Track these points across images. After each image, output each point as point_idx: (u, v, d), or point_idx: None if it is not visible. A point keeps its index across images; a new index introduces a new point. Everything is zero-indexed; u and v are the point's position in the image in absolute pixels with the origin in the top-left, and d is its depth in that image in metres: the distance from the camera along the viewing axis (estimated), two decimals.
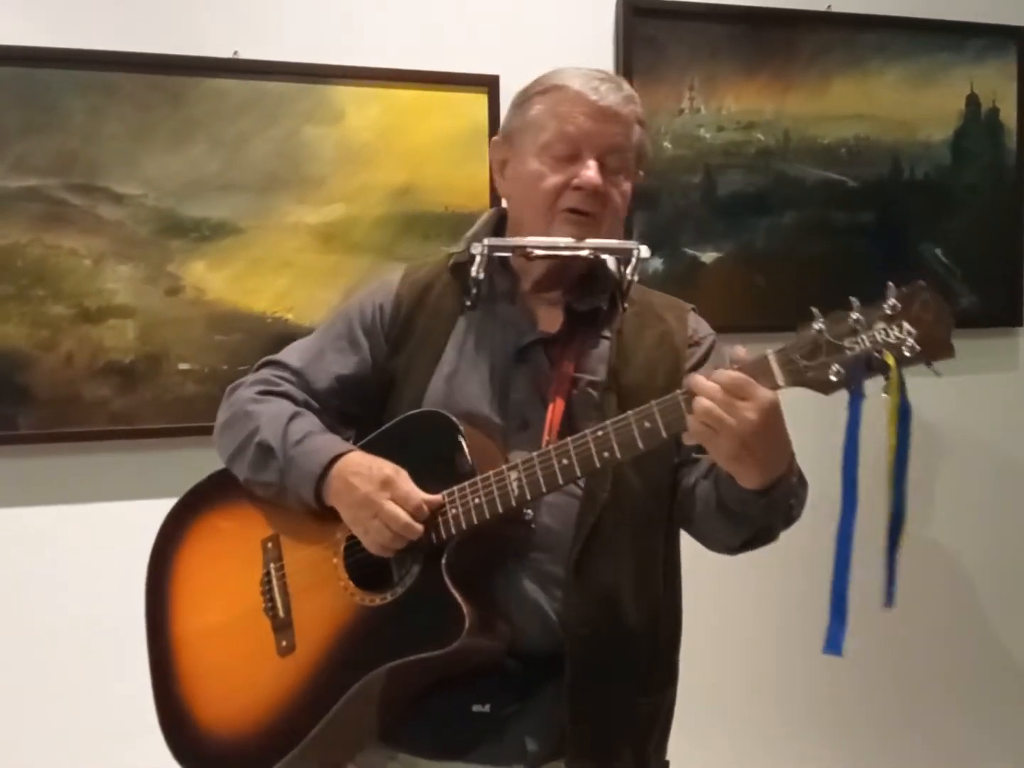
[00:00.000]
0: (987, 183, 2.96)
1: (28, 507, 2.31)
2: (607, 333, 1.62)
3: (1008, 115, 2.96)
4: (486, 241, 1.57)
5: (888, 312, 1.27)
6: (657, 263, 2.68)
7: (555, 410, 1.55)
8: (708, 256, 2.73)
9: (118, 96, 2.31)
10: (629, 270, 1.58)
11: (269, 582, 1.63)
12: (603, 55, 2.63)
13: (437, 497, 1.50)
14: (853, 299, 1.28)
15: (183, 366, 2.36)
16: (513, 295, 1.64)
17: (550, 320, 1.62)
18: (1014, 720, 3.08)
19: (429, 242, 2.46)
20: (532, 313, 1.63)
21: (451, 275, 1.67)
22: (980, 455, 3.01)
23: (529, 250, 1.57)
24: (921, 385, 2.94)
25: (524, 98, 1.63)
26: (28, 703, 2.30)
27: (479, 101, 2.50)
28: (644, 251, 1.57)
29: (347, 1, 2.45)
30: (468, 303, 1.59)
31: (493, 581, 1.54)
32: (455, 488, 1.50)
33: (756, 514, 1.42)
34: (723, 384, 1.29)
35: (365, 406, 1.68)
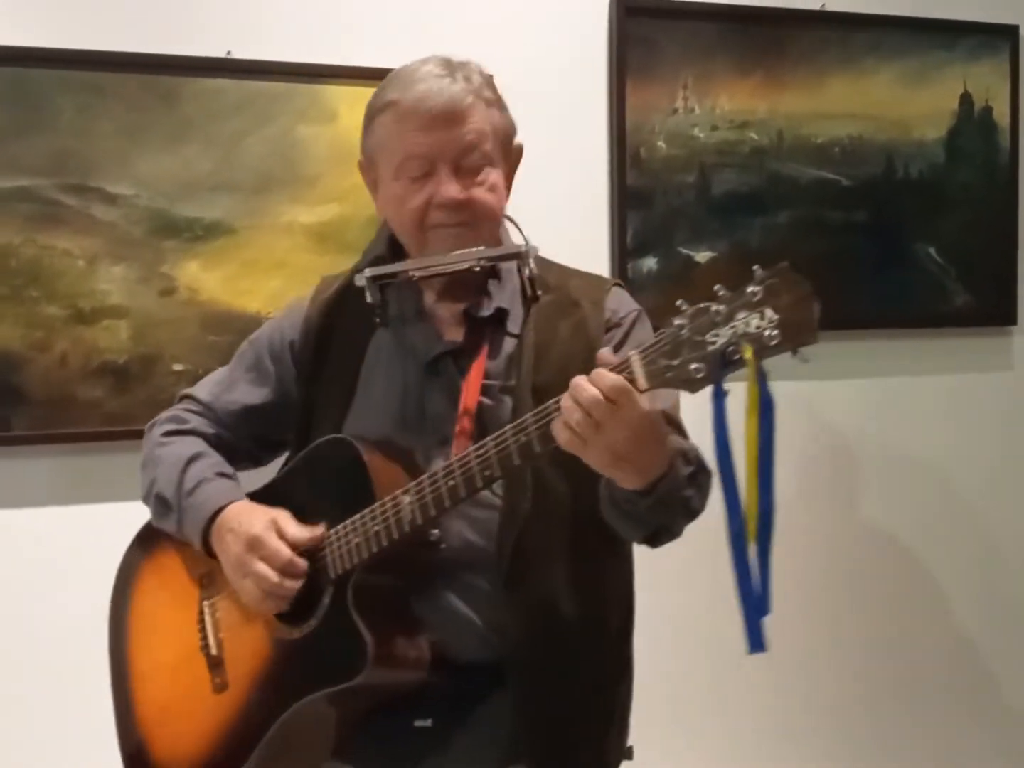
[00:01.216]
0: (981, 182, 2.96)
1: (21, 508, 2.31)
2: (517, 331, 1.56)
3: (1001, 113, 2.96)
4: (366, 272, 1.53)
5: (750, 299, 1.19)
6: (651, 263, 2.68)
7: (463, 423, 1.49)
8: (702, 255, 2.73)
9: (111, 96, 2.30)
10: (527, 272, 1.51)
11: (203, 620, 1.63)
12: (596, 54, 2.63)
13: (316, 533, 1.49)
14: (717, 287, 1.22)
15: (177, 367, 2.36)
16: (419, 309, 1.60)
17: (456, 330, 1.57)
18: (1005, 723, 3.09)
19: None
20: (439, 325, 1.58)
21: (357, 295, 1.59)
22: (974, 454, 3.01)
23: (411, 273, 1.52)
24: (916, 385, 2.97)
25: (368, 117, 1.57)
26: (22, 705, 2.30)
27: None
28: (533, 249, 1.51)
29: (340, 1, 2.45)
30: (378, 321, 1.55)
31: (415, 604, 1.50)
32: (356, 516, 1.47)
33: (644, 513, 1.37)
34: (593, 394, 1.24)
35: (284, 433, 1.66)
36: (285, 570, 1.47)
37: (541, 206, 2.58)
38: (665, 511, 1.38)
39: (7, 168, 2.25)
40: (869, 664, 2.93)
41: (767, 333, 1.17)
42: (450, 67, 1.52)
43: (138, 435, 2.28)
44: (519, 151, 1.61)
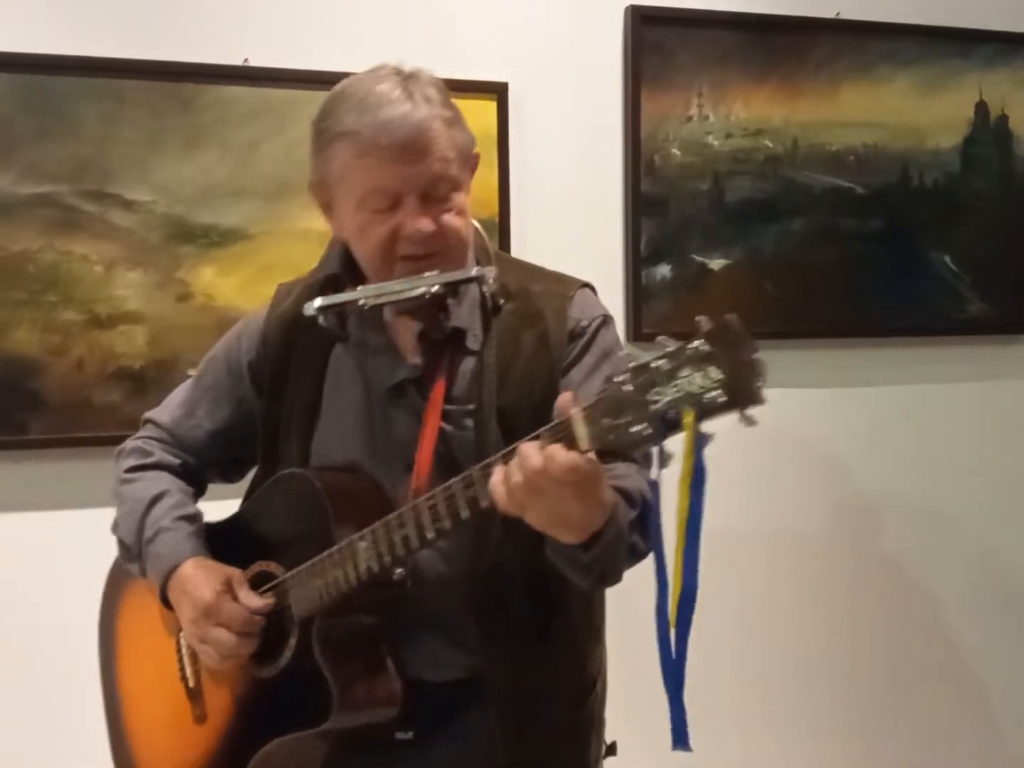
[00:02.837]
0: (996, 190, 2.96)
1: (38, 512, 2.32)
2: (478, 348, 1.48)
3: (1017, 122, 2.96)
4: (316, 303, 1.45)
5: (693, 356, 1.08)
6: (665, 270, 2.68)
7: (423, 451, 1.43)
8: (716, 263, 2.73)
9: (129, 103, 2.32)
10: (486, 290, 1.46)
11: (180, 650, 1.63)
12: (611, 62, 2.64)
13: (267, 603, 1.48)
14: (663, 338, 1.11)
15: (192, 372, 2.35)
16: (380, 324, 1.53)
17: (417, 352, 1.51)
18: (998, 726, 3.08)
19: None
20: (400, 346, 1.52)
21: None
22: (989, 462, 3.00)
23: (362, 302, 1.44)
24: (931, 393, 2.95)
25: (320, 143, 1.46)
26: (39, 707, 2.31)
27: (488, 108, 2.50)
28: (489, 277, 1.43)
29: (356, 9, 2.47)
30: (335, 336, 1.51)
31: (382, 638, 1.46)
32: (314, 560, 1.44)
33: (587, 564, 1.29)
34: (538, 466, 1.16)
35: (250, 451, 1.62)
36: (242, 631, 1.47)
37: (555, 213, 2.60)
38: (607, 560, 1.31)
39: (27, 174, 2.27)
40: (867, 668, 2.93)
41: (709, 394, 1.07)
42: (407, 85, 1.42)
43: None
44: (476, 159, 1.52)
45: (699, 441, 1.09)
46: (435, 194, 1.42)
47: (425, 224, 1.41)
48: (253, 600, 1.49)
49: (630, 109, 2.64)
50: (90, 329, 2.31)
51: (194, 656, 1.60)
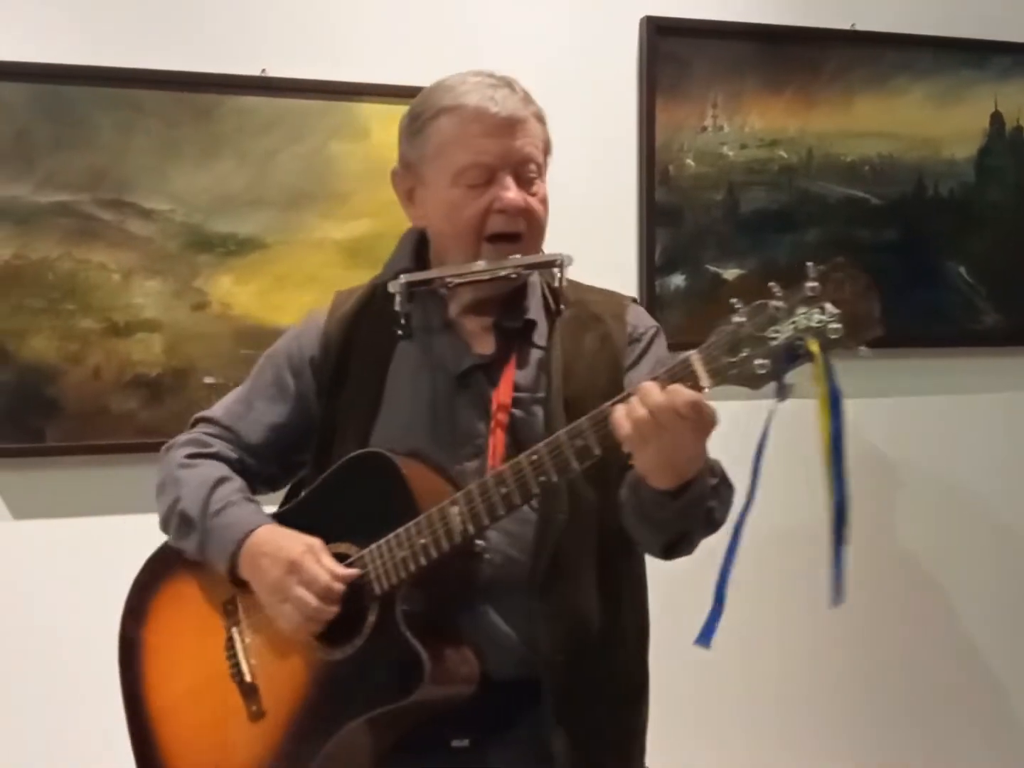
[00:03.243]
0: (1011, 201, 2.95)
1: (56, 519, 2.33)
2: (543, 344, 1.57)
3: None
4: (402, 279, 1.51)
5: (809, 294, 1.19)
6: (679, 280, 2.69)
7: (497, 435, 1.50)
8: (731, 273, 2.73)
9: (147, 113, 2.34)
10: (557, 280, 1.52)
11: (232, 646, 1.59)
12: (627, 72, 2.65)
13: (350, 571, 1.47)
14: (773, 285, 1.21)
15: (209, 380, 2.38)
16: (445, 321, 1.59)
17: (484, 342, 1.57)
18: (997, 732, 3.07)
19: None
20: (466, 338, 1.58)
21: (379, 306, 1.60)
22: (1007, 473, 2.99)
23: (448, 280, 1.52)
24: (946, 404, 2.95)
25: (417, 124, 1.55)
26: (44, 714, 2.32)
27: None
28: (568, 259, 1.51)
29: (372, 19, 2.48)
30: (400, 333, 1.53)
31: (456, 618, 1.49)
32: (400, 530, 1.44)
33: (670, 518, 1.37)
34: (663, 401, 1.24)
35: (306, 451, 1.64)
36: (324, 596, 1.45)
37: (570, 222, 2.59)
38: (689, 517, 1.38)
39: (46, 184, 2.28)
40: (897, 683, 2.92)
41: (830, 326, 1.17)
42: (501, 80, 1.54)
43: None
44: (548, 163, 1.62)
45: (829, 368, 1.19)
46: (524, 175, 1.52)
47: (519, 196, 1.50)
48: (337, 567, 1.48)
49: (645, 119, 2.64)
50: (107, 337, 2.33)
51: (249, 650, 1.58)
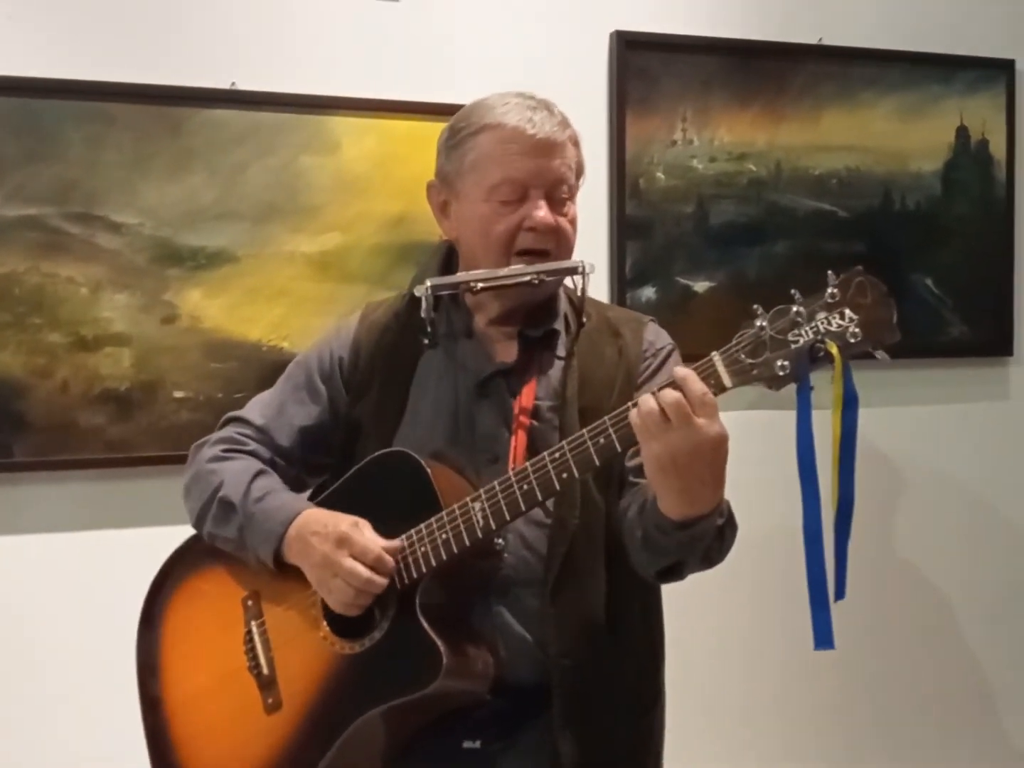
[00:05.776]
0: (977, 214, 2.98)
1: (23, 535, 2.31)
2: (564, 354, 1.62)
3: (998, 146, 2.99)
4: (428, 282, 1.57)
5: (828, 301, 1.28)
6: (650, 292, 2.70)
7: (518, 440, 1.55)
8: (700, 285, 2.75)
9: (116, 126, 2.32)
10: (579, 287, 1.59)
11: (251, 640, 1.63)
12: (596, 87, 2.66)
13: (396, 543, 1.50)
14: (795, 292, 1.30)
15: (178, 394, 2.37)
16: (470, 330, 1.64)
17: (507, 351, 1.62)
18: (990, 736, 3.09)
19: None
20: (490, 346, 1.63)
21: (407, 314, 1.66)
22: (970, 484, 3.02)
23: (472, 284, 1.56)
24: (912, 415, 2.97)
25: (457, 139, 1.61)
26: (21, 732, 2.29)
27: None
28: (589, 267, 1.57)
29: (344, 33, 2.48)
30: (427, 341, 1.59)
31: (472, 616, 1.53)
32: (422, 525, 1.48)
33: (672, 547, 1.40)
34: (678, 399, 1.28)
35: (332, 454, 1.69)
36: (375, 566, 1.48)
37: None
38: (690, 551, 1.41)
39: (14, 197, 2.27)
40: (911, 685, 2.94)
41: (849, 331, 1.26)
42: (541, 102, 1.59)
43: (139, 462, 2.32)
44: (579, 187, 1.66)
45: (846, 370, 1.29)
46: (556, 196, 1.57)
47: (549, 216, 1.55)
48: (384, 541, 1.50)
49: (615, 133, 2.66)
50: (75, 351, 2.31)
51: (268, 643, 1.60)
